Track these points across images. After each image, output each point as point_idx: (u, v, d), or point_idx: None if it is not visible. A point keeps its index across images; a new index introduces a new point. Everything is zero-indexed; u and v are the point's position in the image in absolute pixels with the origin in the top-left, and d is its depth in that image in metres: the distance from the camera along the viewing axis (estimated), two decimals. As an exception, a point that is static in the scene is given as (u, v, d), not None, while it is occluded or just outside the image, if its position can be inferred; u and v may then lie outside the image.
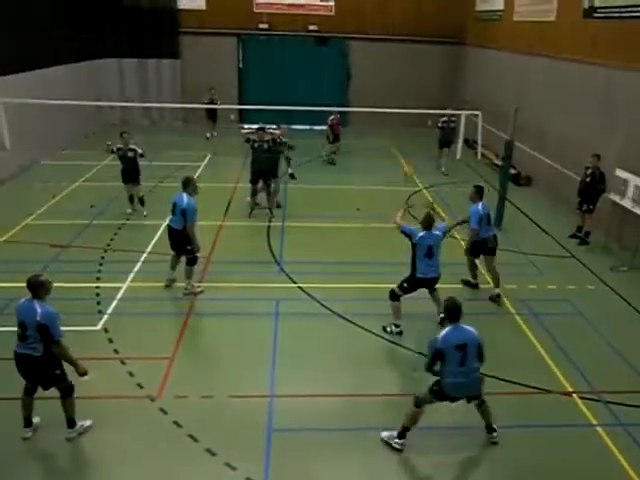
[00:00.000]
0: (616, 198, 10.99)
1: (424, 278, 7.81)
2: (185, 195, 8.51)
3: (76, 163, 15.56)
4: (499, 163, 12.88)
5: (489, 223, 9.06)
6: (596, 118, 12.41)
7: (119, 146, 11.78)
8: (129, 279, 9.18)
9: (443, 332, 5.53)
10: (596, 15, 12.61)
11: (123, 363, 6.99)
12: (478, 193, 9.07)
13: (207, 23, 21.39)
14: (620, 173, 10.96)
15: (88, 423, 5.96)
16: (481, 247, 9.08)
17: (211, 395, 6.49)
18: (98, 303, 8.39)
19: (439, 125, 16.30)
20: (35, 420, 5.92)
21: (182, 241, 8.58)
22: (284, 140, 12.65)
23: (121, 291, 8.78)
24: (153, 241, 10.69)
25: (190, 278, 8.74)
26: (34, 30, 15.54)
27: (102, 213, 12.10)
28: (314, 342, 7.72)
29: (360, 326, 8.04)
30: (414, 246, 7.73)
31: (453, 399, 5.72)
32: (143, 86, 21.94)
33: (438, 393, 5.63)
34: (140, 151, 11.87)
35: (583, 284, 9.65)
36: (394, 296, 7.89)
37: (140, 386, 6.57)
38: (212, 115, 19.55)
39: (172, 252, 8.91)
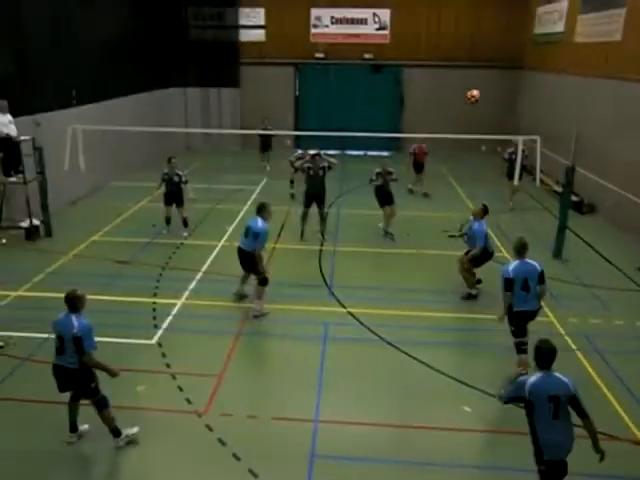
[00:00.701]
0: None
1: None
2: (260, 219, 8.78)
3: (142, 185, 16.33)
4: (559, 190, 12.44)
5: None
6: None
7: (166, 171, 12.36)
8: (184, 296, 9.52)
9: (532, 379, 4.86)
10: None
11: (174, 378, 7.23)
12: (484, 211, 9.62)
13: (266, 54, 22.22)
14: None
15: (134, 430, 6.12)
16: (487, 258, 9.49)
17: (256, 415, 6.57)
18: (154, 318, 8.74)
19: (505, 157, 15.09)
20: (82, 427, 6.15)
21: (252, 263, 8.83)
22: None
23: (176, 307, 9.12)
24: (209, 261, 11.05)
25: (260, 299, 8.89)
26: (110, 64, 16.74)
27: (162, 232, 12.64)
28: (361, 368, 7.66)
29: (408, 354, 7.95)
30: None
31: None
32: (205, 113, 22.98)
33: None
34: (185, 178, 12.41)
35: (654, 319, 9.02)
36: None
37: (189, 401, 6.76)
38: (265, 146, 19.18)
39: (242, 272, 9.29)
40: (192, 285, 9.98)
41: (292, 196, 15.24)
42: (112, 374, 5.92)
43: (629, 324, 8.91)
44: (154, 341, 8.09)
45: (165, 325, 8.55)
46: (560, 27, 18.26)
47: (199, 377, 7.26)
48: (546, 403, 4.71)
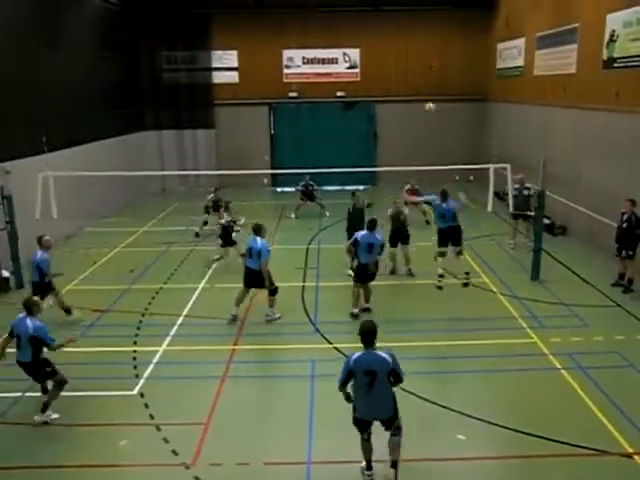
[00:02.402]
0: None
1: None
2: (258, 238, 9.83)
3: (117, 230, 16.11)
4: (532, 214, 12.72)
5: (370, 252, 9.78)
6: (627, 164, 12.28)
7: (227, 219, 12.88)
8: (166, 342, 9.24)
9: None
10: (616, 65, 12.75)
11: (158, 429, 6.91)
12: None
13: (240, 94, 22.46)
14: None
15: (55, 416, 6.96)
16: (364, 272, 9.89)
17: (247, 462, 6.30)
18: (135, 367, 8.42)
19: (513, 193, 13.91)
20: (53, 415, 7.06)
21: (261, 279, 9.73)
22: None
23: (158, 354, 8.82)
24: (189, 304, 10.81)
25: (272, 306, 9.98)
26: (81, 109, 16.62)
27: (140, 277, 12.36)
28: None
29: (400, 387, 7.78)
30: None
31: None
32: (180, 155, 23.01)
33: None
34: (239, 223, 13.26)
35: (632, 334, 9.20)
36: None
37: (175, 453, 6.45)
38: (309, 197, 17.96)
39: (244, 289, 9.96)
40: (173, 330, 9.71)
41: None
42: (69, 339, 7.28)
43: (608, 339, 9.05)
44: (136, 391, 7.77)
45: (147, 374, 8.24)
46: (520, 62, 19.02)
47: (185, 426, 6.97)
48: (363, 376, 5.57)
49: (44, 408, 6.96)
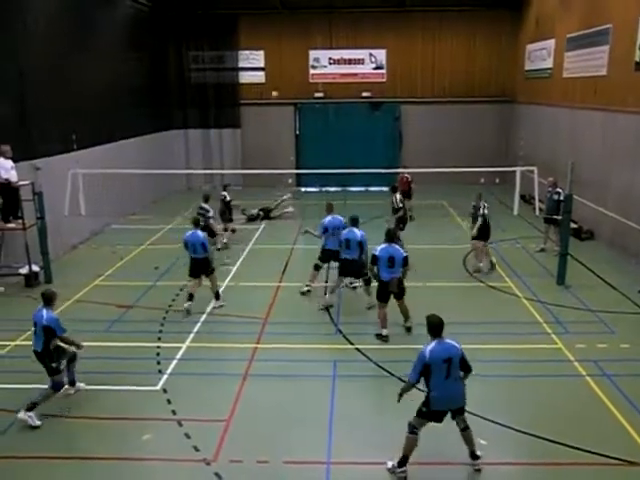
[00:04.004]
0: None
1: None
2: (355, 229, 10.29)
3: (143, 227, 16.34)
4: (558, 218, 12.52)
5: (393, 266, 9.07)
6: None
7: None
8: (189, 339, 9.34)
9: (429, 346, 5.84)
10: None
11: (180, 425, 7.00)
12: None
13: (266, 94, 22.58)
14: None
15: (37, 423, 6.87)
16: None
17: (267, 460, 6.34)
18: (158, 363, 8.54)
19: (555, 197, 13.16)
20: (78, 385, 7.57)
21: (360, 267, 10.27)
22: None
23: (181, 351, 8.92)
24: (213, 302, 10.88)
25: (370, 294, 10.26)
26: (110, 109, 16.93)
27: (165, 274, 12.52)
28: (372, 405, 7.52)
29: (419, 389, 7.74)
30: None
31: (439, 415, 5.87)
32: (206, 154, 23.25)
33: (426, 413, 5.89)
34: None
35: (660, 342, 8.99)
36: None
37: (196, 449, 6.53)
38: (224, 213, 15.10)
39: (340, 278, 10.50)
40: (196, 327, 9.81)
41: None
42: (77, 346, 7.29)
43: (636, 347, 8.85)
44: (159, 387, 7.87)
45: (170, 370, 8.34)
46: (549, 63, 18.72)
47: (206, 423, 7.04)
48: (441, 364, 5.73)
49: (30, 407, 6.89)
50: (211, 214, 13.53)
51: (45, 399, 7.04)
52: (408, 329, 9.47)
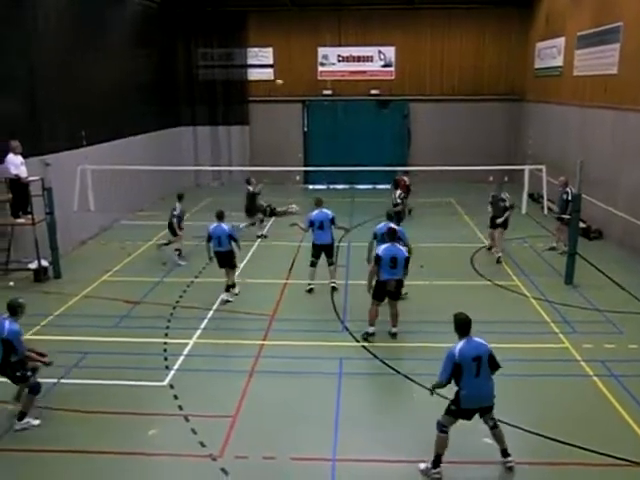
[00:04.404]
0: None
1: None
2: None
3: (151, 223, 16.40)
4: (566, 217, 12.46)
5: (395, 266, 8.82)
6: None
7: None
8: (196, 335, 9.38)
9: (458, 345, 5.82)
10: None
11: (187, 420, 7.03)
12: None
13: (274, 91, 22.57)
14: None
15: (35, 423, 6.80)
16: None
17: (273, 456, 6.36)
18: (165, 359, 8.58)
19: (564, 197, 13.00)
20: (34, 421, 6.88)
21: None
22: None
23: (188, 347, 8.96)
24: (220, 298, 10.92)
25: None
26: (119, 105, 17.00)
27: (172, 271, 12.58)
28: (378, 403, 7.54)
29: (425, 387, 7.74)
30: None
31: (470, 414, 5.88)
32: (215, 151, 23.33)
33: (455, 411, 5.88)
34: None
35: (668, 343, 8.93)
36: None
37: (202, 444, 6.56)
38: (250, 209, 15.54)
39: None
40: (204, 324, 9.85)
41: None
42: (44, 361, 6.87)
43: (645, 349, 8.77)
44: (166, 382, 7.91)
45: (177, 366, 8.39)
46: (559, 61, 18.60)
47: (213, 419, 7.07)
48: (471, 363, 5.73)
49: (21, 417, 6.75)
50: (177, 213, 13.17)
51: (30, 405, 6.82)
52: (393, 335, 9.15)
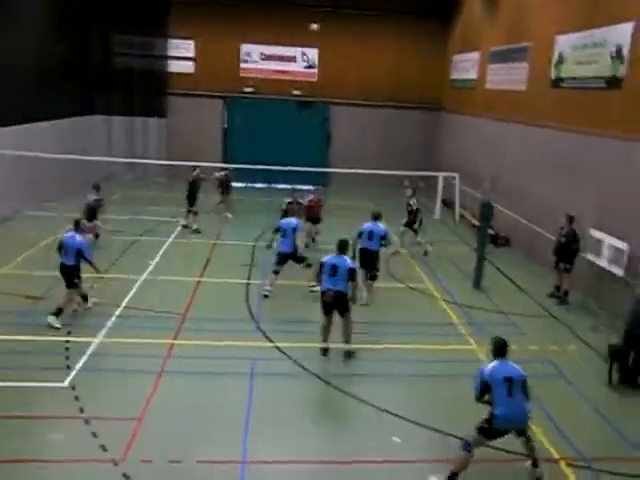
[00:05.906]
0: (592, 258, 11.13)
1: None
2: (379, 223, 10.79)
3: (58, 215, 15.44)
4: (477, 224, 13.08)
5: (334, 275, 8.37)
6: (568, 181, 12.78)
7: None
8: (102, 334, 8.90)
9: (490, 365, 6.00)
10: (562, 85, 13.32)
11: (87, 423, 6.64)
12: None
13: (195, 85, 22.05)
14: (594, 233, 11.16)
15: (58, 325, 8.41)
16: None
17: (179, 460, 6.15)
18: (67, 358, 8.08)
19: (562, 240, 11.31)
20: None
21: (375, 260, 10.69)
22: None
23: (92, 346, 8.49)
24: (130, 295, 10.47)
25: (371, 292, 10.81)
26: (27, 88, 15.84)
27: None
28: (290, 404, 7.46)
29: (337, 388, 7.81)
30: None
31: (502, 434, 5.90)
32: (130, 142, 22.33)
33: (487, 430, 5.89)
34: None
35: (564, 344, 9.57)
36: None
37: (104, 448, 6.21)
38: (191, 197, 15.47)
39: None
40: (111, 322, 9.37)
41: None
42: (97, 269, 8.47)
43: (543, 348, 9.35)
44: (66, 383, 7.44)
45: (79, 366, 7.91)
46: (473, 74, 19.51)
47: (116, 421, 6.73)
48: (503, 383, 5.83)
49: (58, 312, 8.72)
50: (89, 202, 13.22)
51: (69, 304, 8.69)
52: (348, 354, 8.67)
